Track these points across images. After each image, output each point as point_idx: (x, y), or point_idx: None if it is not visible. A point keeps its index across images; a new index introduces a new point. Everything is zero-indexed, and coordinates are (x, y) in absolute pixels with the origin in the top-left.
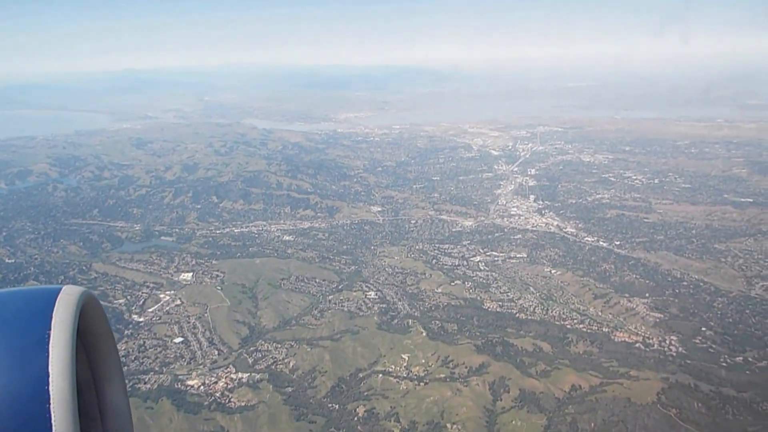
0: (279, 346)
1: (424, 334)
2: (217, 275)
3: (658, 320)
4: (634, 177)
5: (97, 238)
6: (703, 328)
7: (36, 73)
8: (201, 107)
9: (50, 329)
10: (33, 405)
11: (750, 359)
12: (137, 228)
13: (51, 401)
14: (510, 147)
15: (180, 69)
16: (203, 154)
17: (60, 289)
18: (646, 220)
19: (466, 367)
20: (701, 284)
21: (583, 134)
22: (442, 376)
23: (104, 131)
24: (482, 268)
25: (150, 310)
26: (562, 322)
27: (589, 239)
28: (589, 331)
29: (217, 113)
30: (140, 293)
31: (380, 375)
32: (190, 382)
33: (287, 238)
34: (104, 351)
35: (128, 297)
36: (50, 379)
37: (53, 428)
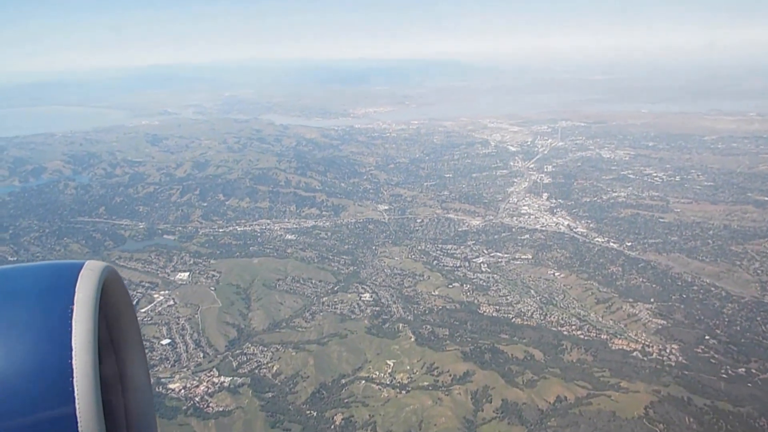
0: (265, 349)
1: (412, 339)
2: (214, 275)
3: (660, 327)
4: (655, 174)
5: (100, 236)
6: (707, 337)
7: (60, 70)
8: (220, 103)
9: (73, 303)
10: (57, 378)
11: (753, 371)
12: (141, 226)
13: (74, 374)
14: (529, 143)
15: (203, 64)
16: (216, 151)
17: (83, 263)
18: (661, 220)
19: (450, 375)
20: (712, 289)
21: (605, 129)
22: (426, 384)
23: (122, 127)
24: (484, 269)
25: (142, 310)
26: (559, 328)
27: (600, 240)
28: (586, 338)
29: (236, 109)
30: (135, 293)
31: (363, 381)
32: (171, 386)
33: (289, 237)
34: (125, 325)
35: None
36: (73, 353)
37: (76, 401)
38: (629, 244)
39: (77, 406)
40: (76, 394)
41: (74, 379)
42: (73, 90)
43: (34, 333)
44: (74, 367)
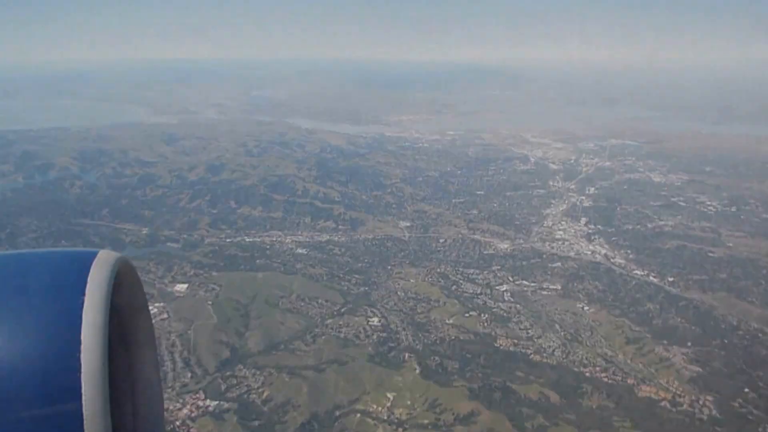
0: (258, 372)
1: (417, 371)
2: (213, 288)
3: (695, 375)
4: (708, 202)
5: (99, 241)
6: (747, 390)
7: (86, 60)
8: (246, 102)
9: (84, 295)
10: (63, 373)
11: None
12: (144, 232)
13: (82, 370)
14: (572, 161)
15: (234, 60)
16: (233, 154)
17: (96, 252)
18: (710, 255)
19: (453, 414)
20: (760, 335)
21: (659, 150)
22: (425, 422)
23: (140, 124)
24: (506, 298)
25: None
26: (582, 369)
27: (638, 273)
28: (610, 381)
29: (261, 109)
30: None
31: (358, 414)
32: None
33: (300, 251)
34: (138, 319)
35: None
36: (82, 347)
37: (83, 397)
38: (671, 279)
39: (83, 404)
40: (83, 391)
41: (81, 375)
42: (99, 83)
43: (43, 324)
44: (82, 362)
